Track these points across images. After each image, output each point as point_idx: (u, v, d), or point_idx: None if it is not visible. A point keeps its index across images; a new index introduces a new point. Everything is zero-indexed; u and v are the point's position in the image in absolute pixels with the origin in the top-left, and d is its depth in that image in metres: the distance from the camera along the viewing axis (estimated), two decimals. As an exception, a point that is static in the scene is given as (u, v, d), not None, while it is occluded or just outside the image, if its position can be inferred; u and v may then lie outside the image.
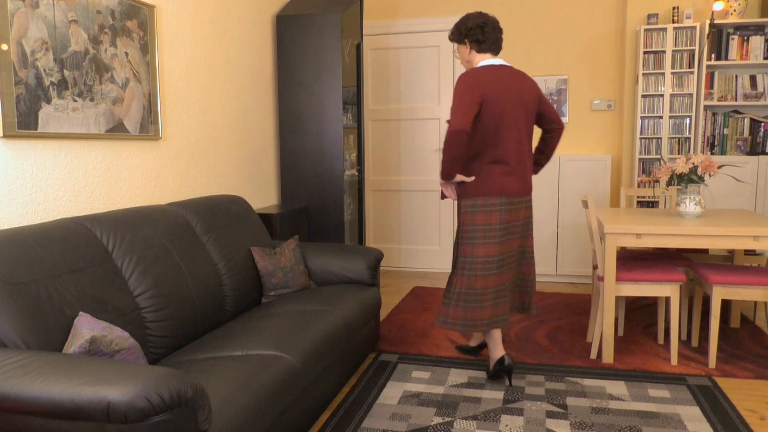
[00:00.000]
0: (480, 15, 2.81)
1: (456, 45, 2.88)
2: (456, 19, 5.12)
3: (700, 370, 3.00)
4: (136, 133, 2.73)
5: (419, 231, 5.42)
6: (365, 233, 5.12)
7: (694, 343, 3.36)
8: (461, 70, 5.15)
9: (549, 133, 2.93)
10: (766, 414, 2.54)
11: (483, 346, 3.26)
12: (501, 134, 2.72)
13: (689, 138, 4.50)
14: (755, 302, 3.88)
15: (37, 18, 2.19)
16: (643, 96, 4.53)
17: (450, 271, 2.93)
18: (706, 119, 4.47)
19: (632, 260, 3.44)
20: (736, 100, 4.43)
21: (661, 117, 4.52)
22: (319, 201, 4.14)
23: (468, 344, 3.28)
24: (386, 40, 5.29)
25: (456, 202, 2.90)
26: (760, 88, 4.39)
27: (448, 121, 2.67)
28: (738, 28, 4.34)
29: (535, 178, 4.83)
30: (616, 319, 3.73)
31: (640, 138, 4.57)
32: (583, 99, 4.97)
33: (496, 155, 2.73)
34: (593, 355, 3.18)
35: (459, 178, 2.76)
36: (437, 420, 2.49)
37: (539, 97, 2.85)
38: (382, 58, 5.32)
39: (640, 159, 4.59)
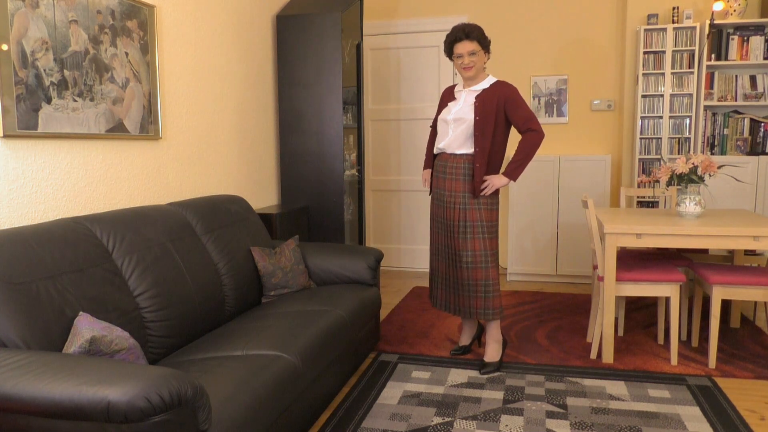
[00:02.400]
0: None
1: (481, 51, 2.90)
2: (456, 19, 5.12)
3: (700, 370, 3.00)
4: (136, 133, 2.73)
5: (419, 231, 5.42)
6: (365, 233, 5.12)
7: (694, 343, 3.36)
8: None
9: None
10: (766, 414, 2.54)
11: (473, 340, 3.30)
12: None
13: (689, 138, 4.50)
14: (755, 302, 3.88)
15: (37, 18, 2.19)
16: (643, 96, 4.53)
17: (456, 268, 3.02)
18: (706, 119, 4.47)
19: (632, 260, 3.44)
20: (736, 100, 4.43)
21: (661, 117, 4.52)
22: (319, 201, 4.14)
23: (458, 345, 3.29)
24: (386, 40, 5.29)
25: (472, 198, 2.94)
26: (760, 88, 4.39)
27: (530, 129, 2.87)
28: (738, 28, 4.34)
29: (534, 177, 4.84)
30: (616, 319, 3.73)
31: (640, 138, 4.57)
32: (583, 99, 4.97)
33: None
34: (593, 355, 3.18)
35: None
36: (437, 420, 2.49)
37: None
38: (382, 58, 5.33)
39: (640, 159, 4.59)
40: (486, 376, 2.94)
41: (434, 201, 3.10)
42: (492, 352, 3.03)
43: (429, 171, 3.21)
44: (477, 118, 2.87)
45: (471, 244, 2.93)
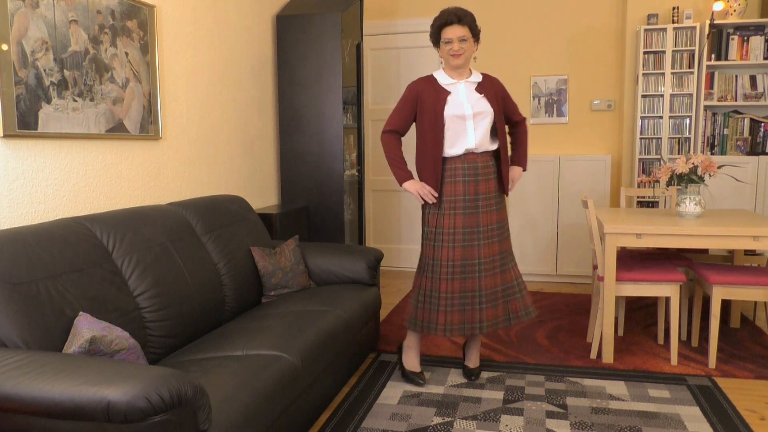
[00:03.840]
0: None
1: (471, 39, 2.72)
2: (456, 19, 5.12)
3: (700, 370, 3.00)
4: (136, 133, 2.73)
5: (419, 231, 5.42)
6: (365, 233, 5.12)
7: (694, 343, 3.36)
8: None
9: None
10: (766, 414, 2.54)
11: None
12: None
13: (689, 138, 4.50)
14: (755, 302, 3.88)
15: (37, 18, 2.19)
16: (643, 96, 4.53)
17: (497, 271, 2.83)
18: (706, 119, 4.47)
19: (632, 260, 3.44)
20: (736, 100, 4.43)
21: (661, 117, 4.52)
22: (319, 201, 4.14)
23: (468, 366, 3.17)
24: (386, 40, 5.29)
25: (500, 197, 2.86)
26: (760, 88, 4.39)
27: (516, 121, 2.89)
28: (738, 28, 4.34)
29: (534, 177, 4.84)
30: (616, 319, 3.73)
31: (640, 138, 4.57)
32: (583, 99, 4.97)
33: None
34: (593, 355, 3.18)
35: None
36: (437, 420, 2.48)
37: None
38: (382, 58, 5.33)
39: (640, 159, 4.59)
40: (476, 379, 2.91)
41: (460, 210, 2.73)
42: (477, 357, 2.98)
43: (417, 182, 2.75)
44: (495, 110, 2.74)
45: (508, 244, 2.83)
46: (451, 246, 2.72)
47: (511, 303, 2.82)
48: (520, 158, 2.88)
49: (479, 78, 2.80)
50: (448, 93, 2.73)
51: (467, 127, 2.71)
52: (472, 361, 2.97)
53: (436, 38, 2.75)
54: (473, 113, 2.70)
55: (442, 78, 2.76)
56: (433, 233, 2.76)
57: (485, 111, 2.72)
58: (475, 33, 2.72)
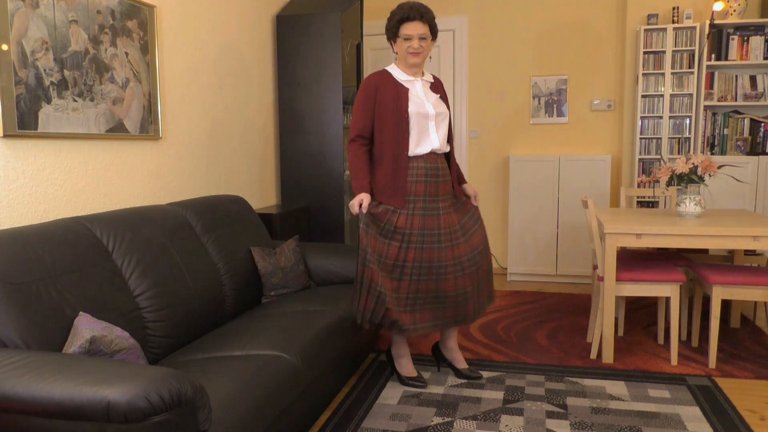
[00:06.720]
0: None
1: (430, 37, 2.61)
2: (456, 19, 5.12)
3: (700, 370, 3.00)
4: (136, 133, 2.73)
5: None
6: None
7: (694, 343, 3.36)
8: (462, 69, 5.15)
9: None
10: (766, 414, 2.54)
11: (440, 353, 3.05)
12: None
13: (689, 138, 4.50)
14: (755, 302, 3.88)
15: (37, 18, 2.19)
16: (643, 96, 4.53)
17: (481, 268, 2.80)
18: (706, 119, 4.47)
19: (632, 260, 3.44)
20: (736, 100, 4.43)
21: (661, 117, 4.52)
22: (319, 201, 4.14)
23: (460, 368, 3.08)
24: (386, 40, 5.29)
25: (453, 199, 2.81)
26: (760, 88, 4.39)
27: None
28: (738, 28, 4.35)
29: (534, 177, 4.83)
30: (616, 319, 3.73)
31: (640, 138, 4.57)
32: (583, 99, 4.97)
33: None
34: (593, 355, 3.18)
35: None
36: (437, 420, 2.48)
37: None
38: (382, 58, 5.32)
39: (640, 159, 4.59)
40: (476, 378, 2.90)
41: (419, 212, 2.62)
42: (461, 356, 2.94)
43: (366, 196, 2.58)
44: (449, 112, 2.73)
45: (482, 233, 2.76)
46: (405, 247, 2.59)
47: (487, 289, 2.80)
48: (459, 173, 2.88)
49: (431, 78, 2.76)
50: (407, 90, 2.63)
51: (429, 126, 2.63)
52: (459, 362, 2.93)
53: (393, 32, 2.62)
54: (436, 113, 2.65)
55: (399, 74, 2.66)
56: (381, 227, 2.61)
57: (444, 113, 2.69)
58: (435, 32, 2.64)
